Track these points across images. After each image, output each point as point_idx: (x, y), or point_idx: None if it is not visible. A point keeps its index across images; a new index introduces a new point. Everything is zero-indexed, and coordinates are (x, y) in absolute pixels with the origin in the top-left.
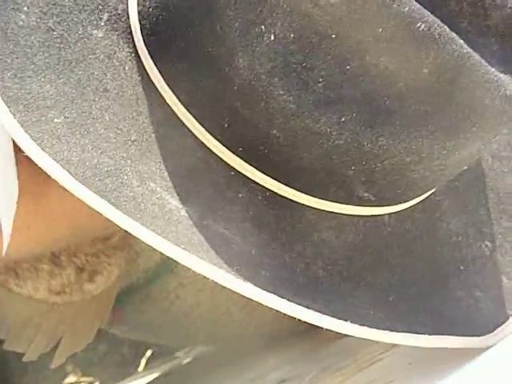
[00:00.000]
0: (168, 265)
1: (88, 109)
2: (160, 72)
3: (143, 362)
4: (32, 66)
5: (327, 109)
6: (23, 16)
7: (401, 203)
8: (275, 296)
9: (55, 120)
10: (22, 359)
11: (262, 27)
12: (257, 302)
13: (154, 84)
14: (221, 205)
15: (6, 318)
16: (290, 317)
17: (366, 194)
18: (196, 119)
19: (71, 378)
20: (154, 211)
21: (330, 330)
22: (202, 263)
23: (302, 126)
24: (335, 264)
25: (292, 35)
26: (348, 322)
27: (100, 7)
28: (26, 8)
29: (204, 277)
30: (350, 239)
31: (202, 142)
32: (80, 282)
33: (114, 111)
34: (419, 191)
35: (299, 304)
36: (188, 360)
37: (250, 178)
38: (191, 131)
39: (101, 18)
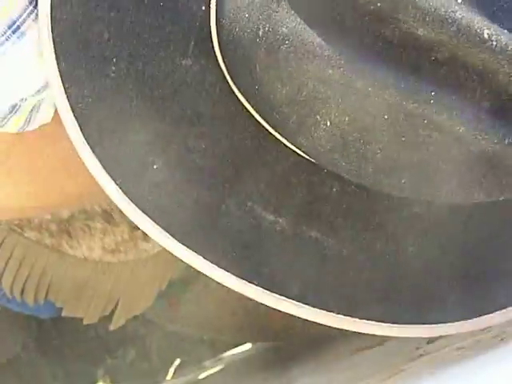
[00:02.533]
0: None
1: (184, 142)
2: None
3: (171, 370)
4: (128, 117)
5: (386, 176)
6: (113, 67)
7: None
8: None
9: (155, 166)
10: (83, 322)
11: (318, 117)
12: None
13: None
14: (314, 205)
15: (62, 283)
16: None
17: None
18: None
19: None
20: (249, 236)
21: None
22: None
23: (361, 188)
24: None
25: (347, 118)
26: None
27: (186, 35)
28: (114, 59)
29: None
30: None
31: (294, 151)
32: (134, 240)
33: (210, 137)
34: None
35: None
36: (216, 369)
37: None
38: (282, 142)
39: (188, 46)
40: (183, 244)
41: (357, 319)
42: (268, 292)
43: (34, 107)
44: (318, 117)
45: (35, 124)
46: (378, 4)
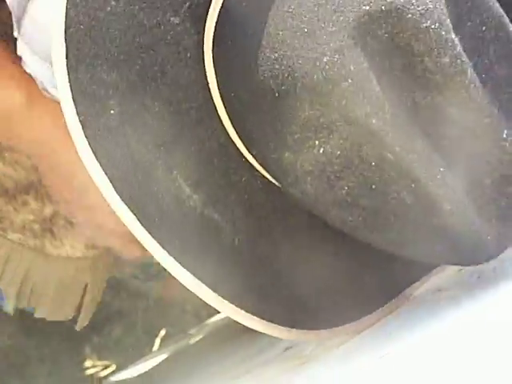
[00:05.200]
0: None
1: (142, 97)
2: (214, 66)
3: (157, 341)
4: (105, 54)
5: (341, 209)
6: (113, 2)
7: None
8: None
9: (111, 111)
10: (75, 328)
11: (316, 142)
12: None
13: (205, 72)
14: (225, 190)
15: (48, 286)
16: None
17: None
18: (228, 116)
19: (88, 363)
20: (169, 205)
21: None
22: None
23: (316, 211)
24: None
25: (339, 152)
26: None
27: None
28: None
29: None
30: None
31: (226, 130)
32: None
33: (164, 98)
34: None
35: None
36: (200, 336)
37: (254, 167)
38: (220, 117)
39: (182, 5)
40: (118, 194)
41: (233, 306)
42: (171, 258)
43: None
44: (317, 142)
45: None
46: None
